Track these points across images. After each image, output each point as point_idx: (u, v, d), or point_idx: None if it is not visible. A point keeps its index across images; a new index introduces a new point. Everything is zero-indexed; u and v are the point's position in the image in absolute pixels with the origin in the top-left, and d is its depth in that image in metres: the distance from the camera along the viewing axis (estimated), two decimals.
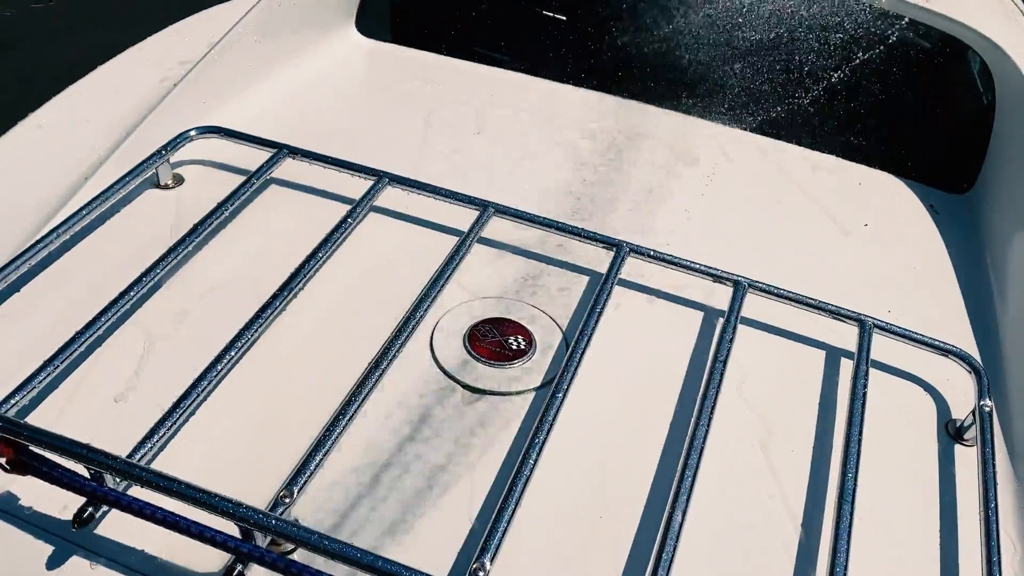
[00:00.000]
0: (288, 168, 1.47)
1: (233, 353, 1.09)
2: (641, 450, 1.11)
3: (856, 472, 1.04)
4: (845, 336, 1.29)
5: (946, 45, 1.86)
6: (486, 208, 1.36)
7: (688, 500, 0.97)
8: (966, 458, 1.18)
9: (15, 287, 1.23)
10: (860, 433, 1.09)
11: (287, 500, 0.93)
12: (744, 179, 1.69)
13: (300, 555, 0.91)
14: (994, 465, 1.09)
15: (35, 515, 0.95)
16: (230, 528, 0.87)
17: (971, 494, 1.11)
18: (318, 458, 0.97)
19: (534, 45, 2.11)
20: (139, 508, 0.88)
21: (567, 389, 1.09)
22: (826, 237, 1.57)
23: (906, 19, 1.81)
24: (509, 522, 0.92)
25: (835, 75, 1.98)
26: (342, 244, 1.31)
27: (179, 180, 1.48)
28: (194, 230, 1.29)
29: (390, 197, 1.44)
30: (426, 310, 1.19)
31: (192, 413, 1.05)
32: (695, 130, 1.82)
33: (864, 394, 1.15)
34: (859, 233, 1.60)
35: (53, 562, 0.92)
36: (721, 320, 1.24)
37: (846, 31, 1.94)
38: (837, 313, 1.27)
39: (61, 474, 0.90)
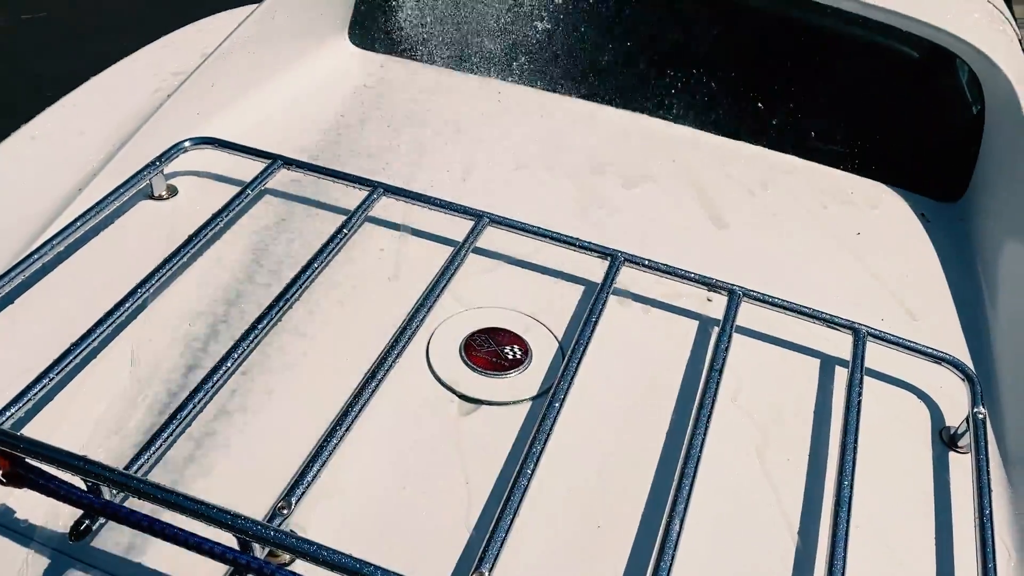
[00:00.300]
0: (282, 179, 1.48)
1: (229, 364, 1.09)
2: (638, 459, 1.12)
3: (852, 480, 1.05)
4: (839, 344, 1.29)
5: (936, 55, 1.88)
6: (481, 218, 1.36)
7: (685, 508, 0.97)
8: (960, 465, 1.19)
9: (9, 299, 1.22)
10: (855, 441, 1.10)
11: (285, 511, 0.93)
12: (737, 189, 1.70)
13: (299, 566, 0.91)
14: (988, 472, 1.09)
15: (32, 528, 0.95)
16: (228, 539, 0.86)
17: (966, 501, 1.12)
18: (315, 468, 0.97)
19: (529, 56, 2.12)
20: (136, 520, 0.88)
21: (563, 398, 1.09)
22: (819, 246, 1.58)
23: (897, 29, 1.82)
24: (507, 531, 0.92)
25: (826, 85, 1.99)
26: (337, 255, 1.31)
27: (173, 191, 1.48)
28: (189, 241, 1.29)
29: (385, 207, 1.44)
30: (422, 320, 1.19)
31: (189, 424, 1.05)
32: (689, 141, 1.83)
33: (859, 402, 1.15)
34: (852, 242, 1.61)
35: (51, 575, 0.91)
36: (716, 329, 1.25)
37: (836, 42, 1.95)
38: (831, 322, 1.27)
39: (58, 486, 0.90)
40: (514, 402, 1.17)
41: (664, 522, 0.96)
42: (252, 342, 1.13)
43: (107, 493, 0.91)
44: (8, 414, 0.99)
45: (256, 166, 1.45)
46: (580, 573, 0.98)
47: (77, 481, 0.90)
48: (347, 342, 1.23)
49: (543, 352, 1.26)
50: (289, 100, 1.78)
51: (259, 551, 0.88)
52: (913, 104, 2.02)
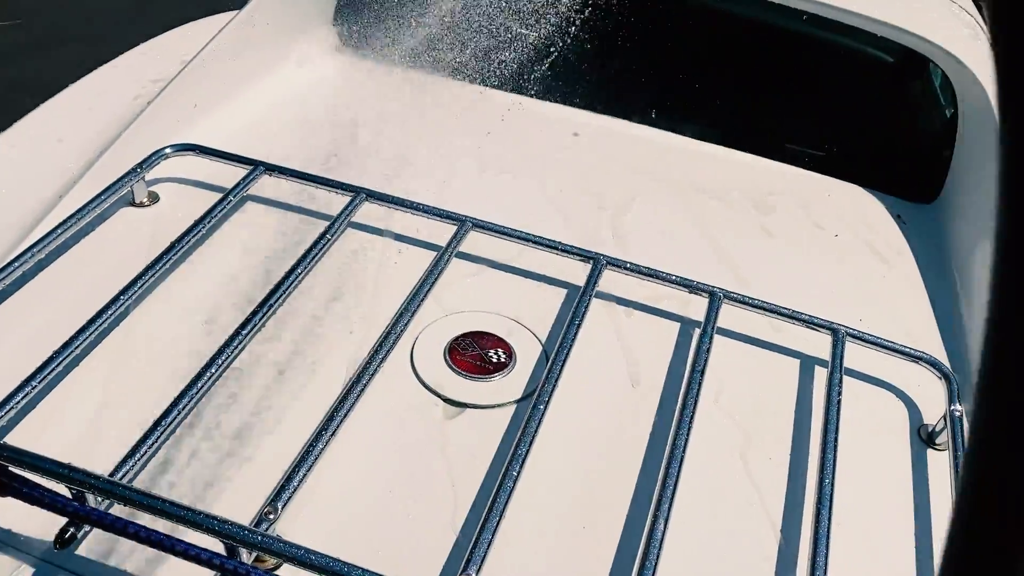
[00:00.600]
0: (265, 185, 1.48)
1: (213, 370, 1.09)
2: (622, 460, 1.12)
3: (833, 477, 1.06)
4: (819, 345, 1.31)
5: (910, 59, 1.91)
6: (464, 223, 1.37)
7: (670, 508, 0.98)
8: (938, 462, 1.21)
9: None
10: (836, 439, 1.11)
11: (271, 516, 0.93)
12: (716, 192, 1.72)
13: (286, 571, 0.91)
14: None
15: (16, 537, 0.94)
16: (215, 545, 0.87)
17: (944, 497, 1.14)
18: (301, 474, 0.97)
19: (512, 62, 2.13)
20: (122, 527, 0.87)
21: (548, 401, 1.10)
22: (798, 247, 1.60)
23: (872, 35, 1.85)
24: (494, 533, 0.93)
25: (803, 90, 2.02)
26: (320, 260, 1.32)
27: (155, 198, 1.47)
28: (171, 248, 1.29)
29: (368, 213, 1.44)
30: (405, 325, 1.20)
31: (173, 431, 1.05)
32: (669, 146, 1.85)
33: (839, 401, 1.17)
34: (830, 243, 1.63)
35: None
36: (698, 331, 1.26)
37: (813, 47, 1.98)
38: (810, 322, 1.29)
39: (42, 494, 0.90)
40: (499, 405, 1.18)
41: (648, 522, 0.97)
42: (235, 348, 1.13)
43: (92, 500, 0.90)
44: None
45: (238, 172, 1.45)
46: (566, 572, 0.99)
47: (62, 489, 0.90)
48: (331, 347, 1.23)
49: (527, 355, 1.26)
50: (270, 106, 1.78)
51: (246, 556, 0.88)
52: (889, 108, 2.05)
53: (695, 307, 1.35)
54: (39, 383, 1.05)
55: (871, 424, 1.25)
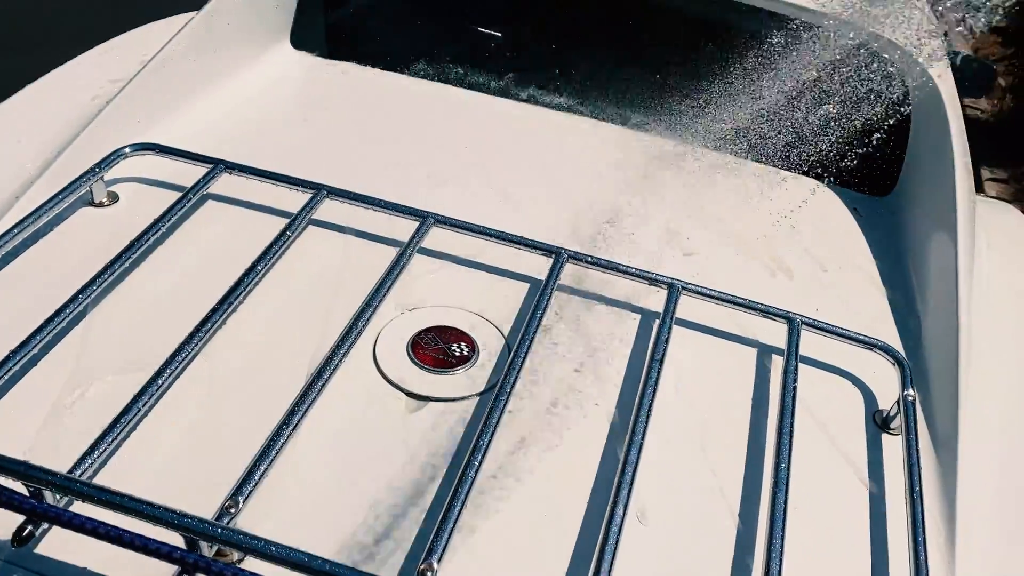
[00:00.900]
0: (225, 183, 1.47)
1: (174, 367, 1.09)
2: (582, 448, 1.14)
3: (789, 463, 1.09)
4: (776, 334, 1.33)
5: (864, 55, 1.95)
6: (426, 219, 1.38)
7: (629, 494, 1.00)
8: (893, 446, 1.23)
9: None
10: (791, 425, 1.14)
11: (232, 510, 0.93)
12: (675, 186, 1.74)
13: (249, 564, 0.91)
14: (918, 451, 1.14)
15: None
16: (175, 539, 0.86)
17: (898, 479, 1.16)
18: (263, 468, 0.97)
19: (469, 60, 2.14)
20: (80, 524, 0.87)
21: (509, 392, 1.11)
22: (755, 239, 1.63)
23: (824, 30, 1.89)
24: (455, 522, 0.94)
25: (758, 85, 2.05)
26: (281, 257, 1.32)
27: (114, 198, 1.46)
28: (131, 246, 1.28)
29: (329, 210, 1.44)
30: (368, 320, 1.20)
31: (133, 428, 1.04)
32: (628, 140, 1.87)
33: (795, 388, 1.19)
34: (787, 235, 1.66)
35: None
36: (657, 322, 1.28)
37: (766, 42, 2.01)
38: (767, 312, 1.31)
39: None
40: (461, 398, 1.19)
41: (608, 508, 0.98)
42: (196, 345, 1.13)
43: (50, 497, 0.90)
44: None
45: (199, 171, 1.45)
46: (528, 559, 1.00)
47: (18, 486, 0.89)
48: (293, 343, 1.23)
49: (490, 348, 1.27)
50: (231, 105, 1.77)
51: (207, 549, 0.88)
52: (844, 103, 2.09)
53: (654, 298, 1.37)
54: None
55: (827, 410, 1.27)
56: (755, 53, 1.90)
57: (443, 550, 0.91)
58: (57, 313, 1.14)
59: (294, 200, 1.42)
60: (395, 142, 1.74)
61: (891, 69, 1.84)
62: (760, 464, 1.16)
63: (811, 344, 1.31)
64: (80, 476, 0.94)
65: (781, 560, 0.97)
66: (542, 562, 1.00)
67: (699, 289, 1.33)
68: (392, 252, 1.33)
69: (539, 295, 1.28)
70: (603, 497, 1.05)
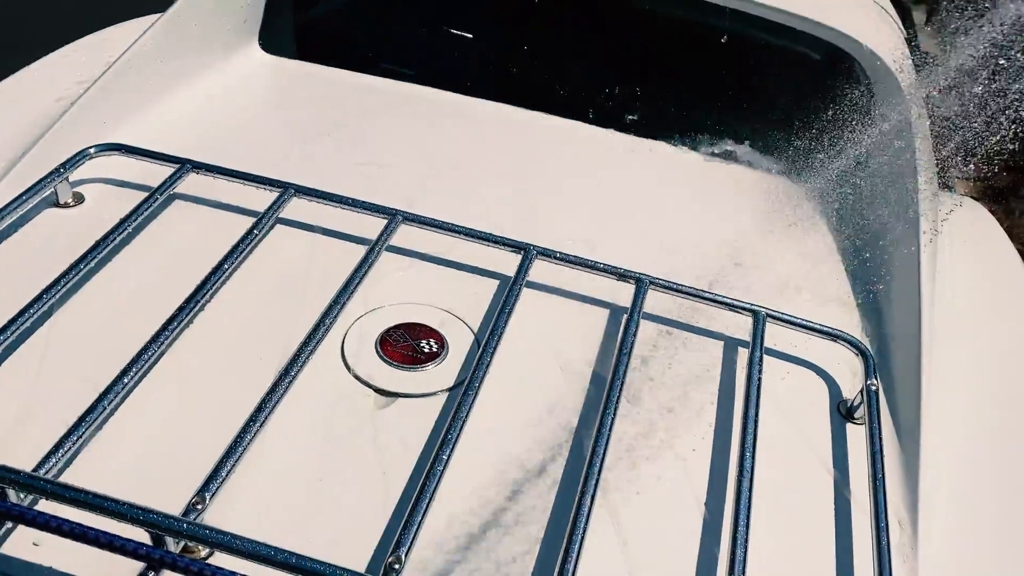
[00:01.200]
0: (192, 183, 1.46)
1: (140, 365, 1.08)
2: (552, 442, 1.15)
3: (754, 452, 1.10)
4: (742, 326, 1.35)
5: (829, 53, 1.98)
6: (395, 216, 1.38)
7: (596, 485, 1.01)
8: (857, 435, 1.25)
9: None
10: (757, 416, 1.15)
11: (199, 507, 0.93)
12: (644, 183, 1.76)
13: (215, 561, 0.91)
14: (881, 440, 1.16)
15: None
16: (141, 536, 0.86)
17: (862, 467, 1.18)
18: (229, 464, 0.97)
19: (438, 60, 2.14)
20: (45, 522, 0.86)
21: (478, 388, 1.11)
22: (723, 235, 1.65)
23: (796, 31, 1.91)
24: (424, 515, 0.94)
25: (728, 85, 2.08)
26: (249, 256, 1.31)
27: (79, 199, 1.45)
28: (96, 246, 1.27)
29: (297, 209, 1.44)
30: (335, 317, 1.20)
31: (99, 427, 1.04)
32: (597, 139, 1.88)
33: (759, 380, 1.21)
34: (753, 230, 1.68)
35: None
36: (625, 316, 1.29)
37: (739, 45, 2.04)
38: (733, 305, 1.33)
39: None
40: (430, 394, 1.19)
41: (576, 499, 0.99)
42: (163, 343, 1.13)
43: (14, 496, 0.89)
44: None
45: (165, 171, 1.44)
46: (496, 550, 1.01)
47: None
48: (261, 341, 1.23)
49: (459, 345, 1.28)
50: (198, 106, 1.77)
51: (173, 546, 0.87)
52: (812, 101, 2.12)
53: (623, 293, 1.38)
54: None
55: (792, 400, 1.29)
56: (717, 48, 1.93)
57: (411, 542, 0.91)
58: (21, 313, 1.13)
59: (262, 199, 1.42)
60: (364, 142, 1.74)
61: (854, 65, 1.87)
62: (726, 454, 1.18)
63: (776, 336, 1.33)
64: (45, 475, 0.93)
65: (746, 546, 0.98)
66: (510, 552, 1.01)
67: (667, 284, 1.34)
68: (361, 250, 1.33)
69: (508, 291, 1.28)
70: (571, 488, 1.06)
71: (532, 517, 1.05)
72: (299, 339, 1.15)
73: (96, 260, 1.26)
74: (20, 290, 1.20)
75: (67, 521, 0.86)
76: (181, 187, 1.44)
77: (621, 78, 2.05)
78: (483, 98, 1.95)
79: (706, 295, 1.34)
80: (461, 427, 1.05)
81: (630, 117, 1.96)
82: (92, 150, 1.44)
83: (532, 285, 1.40)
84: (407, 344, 1.27)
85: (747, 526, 1.01)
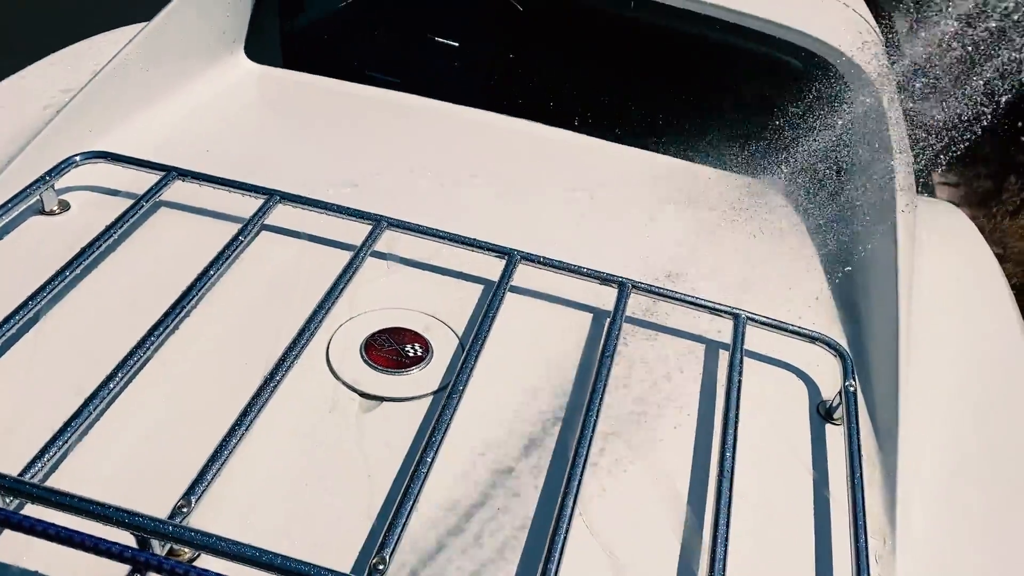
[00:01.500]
0: (178, 191, 1.47)
1: (125, 371, 1.09)
2: (535, 443, 1.16)
3: (734, 452, 1.12)
4: (723, 329, 1.37)
5: (809, 59, 2.01)
6: (379, 222, 1.39)
7: (579, 486, 1.02)
8: (836, 435, 1.27)
9: None
10: (737, 417, 1.17)
11: (185, 510, 0.94)
12: (624, 189, 1.78)
13: (201, 563, 0.92)
14: (859, 439, 1.18)
15: None
16: (128, 539, 0.87)
17: (841, 467, 1.20)
18: (215, 468, 0.98)
19: (425, 67, 2.16)
20: (31, 526, 0.87)
21: (463, 391, 1.13)
22: (704, 239, 1.67)
23: (776, 39, 1.94)
24: (408, 517, 0.95)
25: (709, 92, 2.10)
26: (235, 262, 1.32)
27: (65, 206, 1.46)
28: (82, 253, 1.28)
29: (283, 215, 1.45)
30: (320, 322, 1.21)
31: (85, 432, 1.04)
32: (578, 145, 1.90)
33: (740, 381, 1.23)
34: (736, 235, 1.70)
35: None
36: (608, 319, 1.31)
37: (719, 51, 2.06)
38: (714, 308, 1.35)
39: None
40: (415, 397, 1.20)
41: (559, 500, 1.00)
42: (148, 348, 1.14)
43: (0, 501, 0.90)
44: None
45: (151, 179, 1.45)
46: (480, 552, 1.02)
47: None
48: (246, 346, 1.24)
49: (443, 349, 1.29)
50: (184, 114, 1.78)
51: (159, 548, 0.88)
52: (790, 106, 2.14)
53: (605, 297, 1.39)
54: None
55: (773, 401, 1.31)
56: (696, 55, 1.95)
57: (395, 544, 0.92)
58: (7, 319, 1.14)
59: (247, 206, 1.43)
60: (349, 149, 1.75)
61: (833, 71, 1.90)
62: (707, 454, 1.19)
63: (756, 338, 1.35)
64: (31, 479, 0.94)
65: (726, 546, 1.00)
66: (493, 553, 1.02)
67: (648, 287, 1.36)
68: (346, 256, 1.34)
69: (492, 296, 1.30)
70: (554, 489, 1.07)
71: (515, 518, 1.06)
72: (285, 344, 1.16)
73: (82, 267, 1.27)
74: (6, 296, 1.21)
75: (53, 525, 0.87)
76: (167, 194, 1.45)
77: (603, 86, 2.07)
78: (467, 105, 1.97)
79: (687, 298, 1.35)
80: (445, 430, 1.07)
81: (613, 124, 1.98)
82: (78, 158, 1.45)
83: (516, 289, 1.41)
84: (392, 348, 1.28)
85: (727, 526, 1.02)
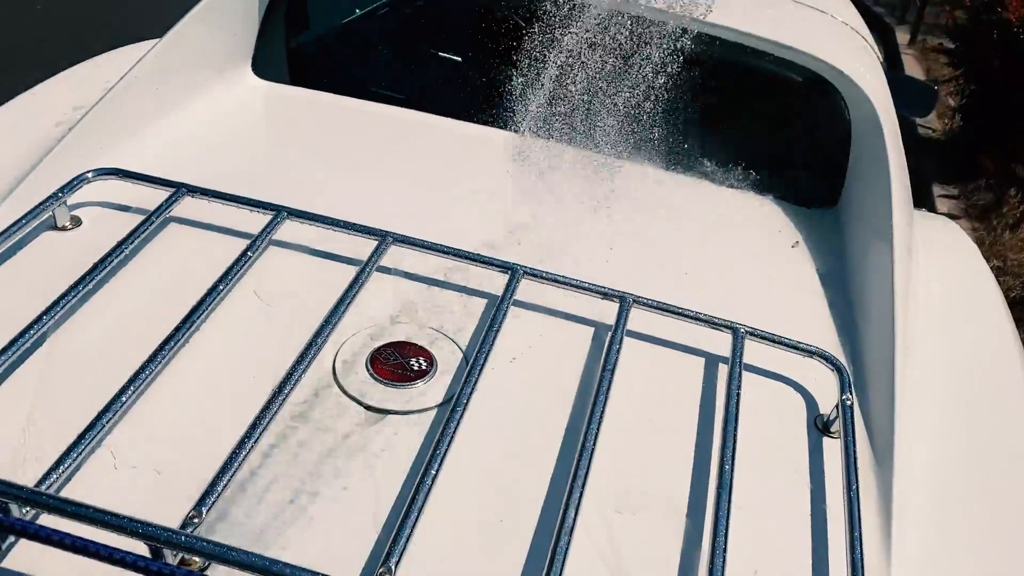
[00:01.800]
0: (188, 207, 1.50)
1: (137, 384, 1.12)
2: (537, 456, 1.19)
3: (733, 465, 1.14)
4: (721, 343, 1.39)
5: (809, 78, 2.04)
6: (385, 238, 1.42)
7: (580, 498, 1.04)
8: (833, 449, 1.29)
9: None
10: (735, 430, 1.19)
11: (196, 520, 0.96)
12: (626, 203, 1.81)
13: (212, 572, 0.94)
14: (855, 453, 1.20)
15: None
16: (140, 549, 0.89)
17: (838, 480, 1.22)
18: (225, 480, 1.01)
19: (429, 84, 2.19)
20: (46, 536, 0.90)
21: (467, 404, 1.15)
22: (704, 253, 1.70)
23: (772, 56, 1.97)
24: (413, 528, 0.98)
25: (711, 107, 2.13)
26: (243, 277, 1.35)
27: (77, 222, 1.49)
28: (94, 268, 1.31)
29: (290, 231, 1.48)
30: (327, 336, 1.24)
31: (98, 444, 1.07)
32: (580, 160, 1.93)
33: (738, 395, 1.25)
34: (734, 248, 1.72)
35: None
36: (609, 333, 1.33)
37: (722, 69, 2.09)
38: (712, 323, 1.37)
39: None
40: (420, 411, 1.23)
41: (560, 513, 1.03)
42: (159, 362, 1.16)
43: (16, 511, 0.92)
44: None
45: (161, 195, 1.48)
46: (483, 562, 1.04)
47: None
48: (255, 360, 1.26)
49: (448, 362, 1.32)
50: (193, 131, 1.81)
51: (171, 557, 0.91)
52: (790, 123, 2.18)
53: (606, 311, 1.42)
54: None
55: (770, 415, 1.33)
56: (693, 74, 1.98)
57: (401, 554, 0.95)
58: (22, 333, 1.16)
59: (255, 222, 1.46)
60: (354, 165, 1.78)
61: (831, 88, 1.93)
62: (706, 468, 1.22)
63: (755, 352, 1.37)
64: (46, 490, 0.96)
65: (724, 557, 1.02)
66: (496, 564, 1.04)
67: (648, 302, 1.38)
68: (352, 271, 1.37)
69: (495, 310, 1.32)
70: (555, 502, 1.09)
71: (517, 530, 1.08)
72: (292, 358, 1.19)
73: (94, 282, 1.30)
74: (19, 310, 1.24)
75: (68, 535, 0.89)
76: (176, 210, 1.48)
77: (610, 102, 2.10)
78: (471, 121, 2.00)
79: (687, 313, 1.38)
80: (450, 443, 1.09)
81: (618, 140, 2.01)
82: (89, 174, 1.48)
83: (519, 304, 1.44)
84: (397, 362, 1.30)
85: (725, 537, 1.04)
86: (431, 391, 1.26)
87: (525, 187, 1.81)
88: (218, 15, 1.93)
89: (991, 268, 1.99)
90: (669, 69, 1.98)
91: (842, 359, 1.43)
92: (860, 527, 1.10)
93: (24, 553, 0.96)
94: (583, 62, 2.05)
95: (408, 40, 2.35)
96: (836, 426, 1.31)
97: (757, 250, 1.74)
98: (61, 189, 1.45)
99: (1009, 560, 1.23)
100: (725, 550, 1.03)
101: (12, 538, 0.94)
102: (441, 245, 1.43)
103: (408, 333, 1.36)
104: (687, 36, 1.91)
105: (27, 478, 0.96)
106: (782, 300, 1.61)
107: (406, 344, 1.34)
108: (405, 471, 1.13)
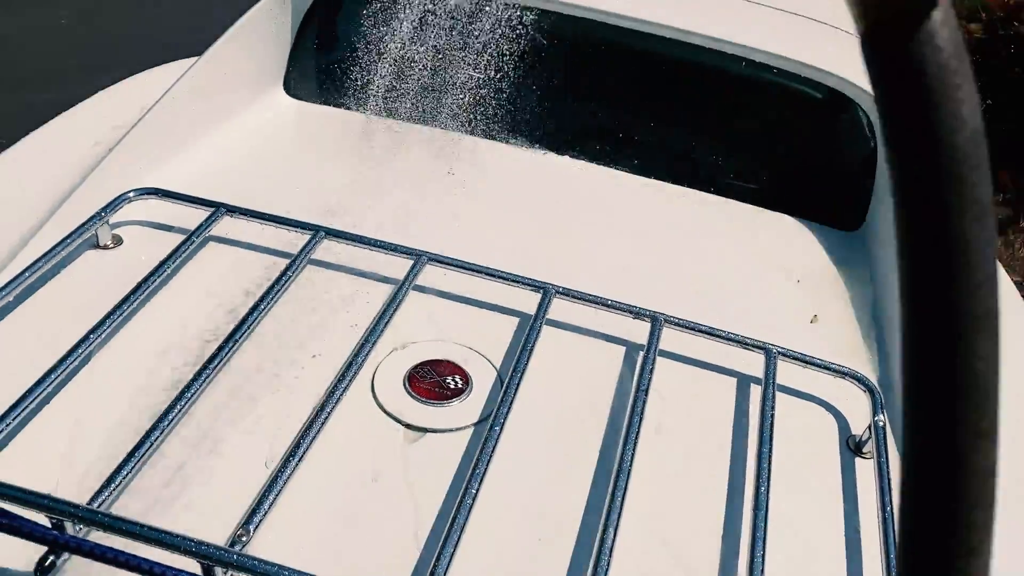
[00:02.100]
0: (226, 226, 1.53)
1: (182, 404, 1.14)
2: (574, 475, 1.20)
3: (768, 485, 1.15)
4: (754, 364, 1.41)
5: (834, 98, 2.05)
6: (420, 257, 1.44)
7: (619, 519, 1.06)
8: (866, 469, 1.30)
9: None
10: (770, 450, 1.20)
11: (244, 538, 0.98)
12: (657, 224, 1.82)
13: None
14: (888, 473, 1.21)
15: None
16: (191, 566, 0.91)
17: (870, 500, 1.23)
18: (271, 498, 1.03)
19: (462, 104, 2.22)
20: (101, 553, 0.92)
21: (503, 423, 1.17)
22: (734, 273, 1.71)
23: (798, 75, 1.99)
24: (455, 547, 0.99)
25: (738, 127, 2.15)
26: (282, 296, 1.38)
27: (119, 241, 1.52)
28: (137, 288, 1.33)
29: (327, 250, 1.51)
30: (366, 355, 1.26)
31: (146, 462, 1.09)
32: (612, 181, 1.95)
33: (772, 415, 1.26)
34: (764, 269, 1.74)
35: None
36: (642, 353, 1.35)
37: (747, 88, 2.11)
38: (744, 343, 1.39)
39: (21, 524, 0.93)
40: (457, 429, 1.25)
41: (599, 532, 1.04)
42: (202, 382, 1.19)
43: (71, 528, 0.95)
44: None
45: (200, 214, 1.50)
46: None
47: (41, 518, 0.94)
48: (296, 379, 1.29)
49: (483, 381, 1.33)
50: (228, 151, 1.84)
51: (221, 575, 0.93)
52: (816, 143, 2.19)
53: (639, 331, 1.43)
54: (13, 420, 1.09)
55: (803, 435, 1.34)
56: (723, 97, 1.99)
57: (444, 573, 0.96)
58: (70, 352, 1.19)
59: (293, 241, 1.48)
60: (389, 184, 1.81)
61: (855, 108, 1.94)
62: (741, 488, 1.23)
63: (787, 373, 1.38)
64: (98, 507, 0.99)
65: None
66: None
67: (681, 322, 1.40)
68: (388, 290, 1.39)
69: (529, 329, 1.34)
70: (593, 523, 1.11)
71: (558, 547, 1.10)
72: (332, 376, 1.21)
73: (137, 302, 1.32)
74: (65, 327, 1.26)
75: (122, 552, 0.91)
76: (216, 230, 1.51)
77: (640, 122, 2.12)
78: (505, 142, 2.02)
79: (719, 333, 1.39)
80: (488, 461, 1.11)
81: (647, 160, 2.02)
82: (131, 194, 1.51)
83: (551, 323, 1.46)
84: (433, 380, 1.32)
85: (763, 558, 1.06)
86: (467, 409, 1.28)
87: (558, 207, 1.83)
88: (252, 36, 1.96)
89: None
90: (698, 96, 2.01)
91: (874, 380, 1.44)
92: (894, 548, 1.11)
93: (76, 569, 0.98)
94: (618, 84, 2.08)
95: (439, 60, 2.38)
96: (869, 447, 1.32)
97: (784, 270, 1.75)
98: (103, 209, 1.48)
99: None
100: (763, 571, 1.04)
101: (67, 555, 0.96)
102: (474, 264, 1.45)
103: (444, 351, 1.38)
104: (720, 59, 1.93)
105: (79, 495, 0.99)
106: (812, 320, 1.61)
107: (442, 362, 1.36)
108: (445, 490, 1.15)
